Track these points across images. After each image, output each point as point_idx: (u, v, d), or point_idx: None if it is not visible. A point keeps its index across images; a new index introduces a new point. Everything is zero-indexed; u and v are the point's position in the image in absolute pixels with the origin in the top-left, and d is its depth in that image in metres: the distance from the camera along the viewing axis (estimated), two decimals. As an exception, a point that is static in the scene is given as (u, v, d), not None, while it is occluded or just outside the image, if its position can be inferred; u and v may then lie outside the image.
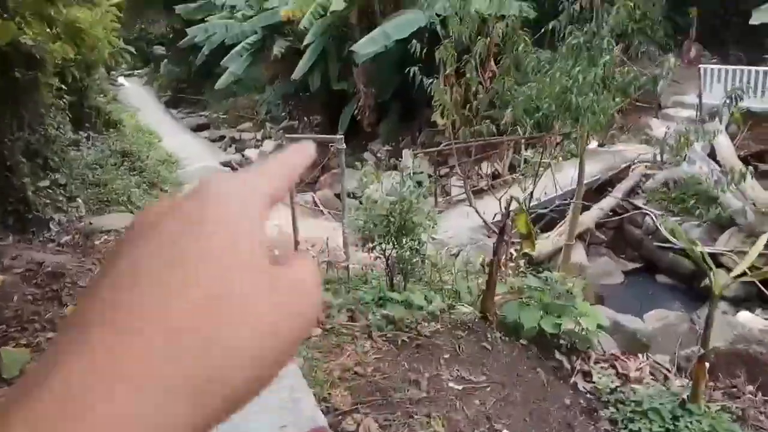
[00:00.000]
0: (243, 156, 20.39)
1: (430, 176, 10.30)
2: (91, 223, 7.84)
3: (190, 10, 19.72)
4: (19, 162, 7.65)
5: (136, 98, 21.84)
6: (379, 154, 15.66)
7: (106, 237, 7.41)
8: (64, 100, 9.50)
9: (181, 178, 11.76)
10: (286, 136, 7.51)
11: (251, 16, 16.72)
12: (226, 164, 13.55)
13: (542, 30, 7.41)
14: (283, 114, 22.41)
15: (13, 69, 6.82)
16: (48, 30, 6.89)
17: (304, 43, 14.80)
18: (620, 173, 12.51)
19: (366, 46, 12.53)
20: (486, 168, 13.50)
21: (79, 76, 10.75)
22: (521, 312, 4.38)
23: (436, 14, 13.09)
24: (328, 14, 13.50)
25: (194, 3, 19.96)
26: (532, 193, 8.61)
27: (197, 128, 22.02)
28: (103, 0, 11.34)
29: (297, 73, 15.12)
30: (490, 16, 8.10)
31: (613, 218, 11.46)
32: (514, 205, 4.92)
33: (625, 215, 11.40)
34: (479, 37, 7.26)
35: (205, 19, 18.60)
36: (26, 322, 4.87)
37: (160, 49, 31.89)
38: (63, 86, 9.34)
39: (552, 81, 6.34)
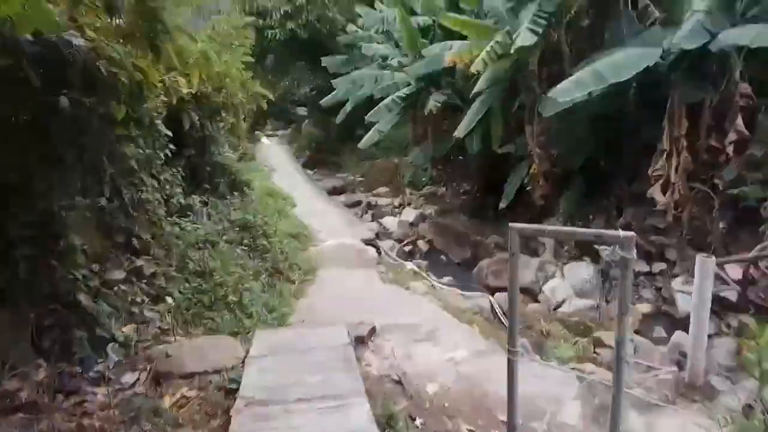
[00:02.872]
0: (380, 224, 17.18)
1: None
2: (168, 355, 4.50)
3: (337, 63, 17.30)
4: (71, 245, 4.55)
5: (274, 157, 19.67)
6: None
7: (185, 391, 3.99)
8: (168, 152, 6.53)
9: (313, 261, 8.42)
10: (513, 226, 3.54)
11: (406, 66, 13.68)
12: (369, 242, 10.21)
13: None
14: (424, 179, 19.11)
15: (58, 92, 3.77)
16: (109, 23, 3.81)
17: (474, 90, 11.32)
18: None
19: (567, 92, 8.74)
20: (733, 271, 8.90)
21: (200, 123, 7.93)
22: None
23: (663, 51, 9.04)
24: (512, 51, 9.90)
25: (342, 56, 17.57)
26: None
27: (333, 191, 19.24)
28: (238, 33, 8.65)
29: (461, 130, 11.64)
30: None
31: None
32: None
33: None
34: None
35: (353, 70, 15.96)
36: None
37: (302, 110, 30.60)
38: (169, 133, 6.40)
39: None
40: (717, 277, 8.38)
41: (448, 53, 11.80)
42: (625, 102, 10.68)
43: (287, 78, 25.94)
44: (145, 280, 5.54)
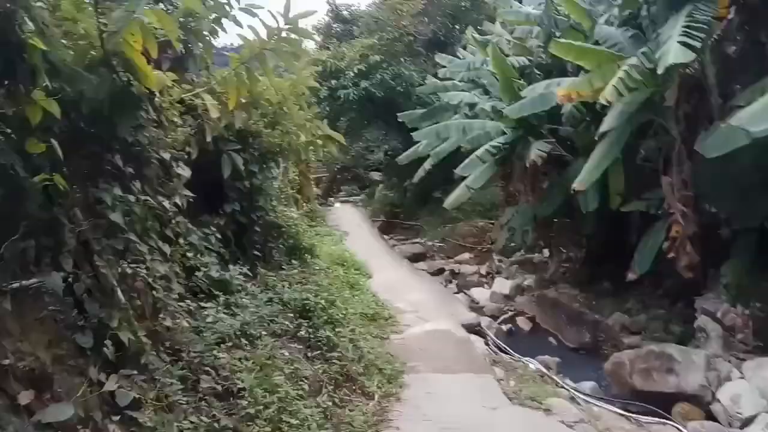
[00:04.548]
0: (468, 296, 14.33)
1: None
2: None
3: (415, 117, 15.17)
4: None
5: (347, 221, 17.51)
6: (726, 319, 8.27)
7: None
8: (182, 202, 4.24)
9: (398, 358, 5.76)
10: None
11: (501, 111, 11.23)
12: (472, 329, 7.43)
13: None
14: (514, 244, 16.15)
15: None
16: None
17: (602, 129, 8.67)
18: None
19: (761, 119, 5.89)
20: None
21: (247, 169, 5.72)
22: None
23: None
24: (660, 72, 7.16)
25: (421, 109, 15.47)
26: None
27: (412, 258, 16.68)
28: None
29: (582, 182, 8.84)
30: None
31: None
32: None
33: None
34: None
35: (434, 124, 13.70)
36: None
37: (376, 175, 28.84)
38: (184, 173, 4.16)
39: None
40: None
41: (557, 89, 9.29)
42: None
43: (361, 141, 24.26)
44: (118, 416, 3.10)
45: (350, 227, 15.66)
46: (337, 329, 5.25)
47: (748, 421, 6.82)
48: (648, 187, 10.37)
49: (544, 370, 6.49)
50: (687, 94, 9.17)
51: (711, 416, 7.14)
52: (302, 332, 4.96)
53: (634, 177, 10.61)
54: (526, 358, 7.08)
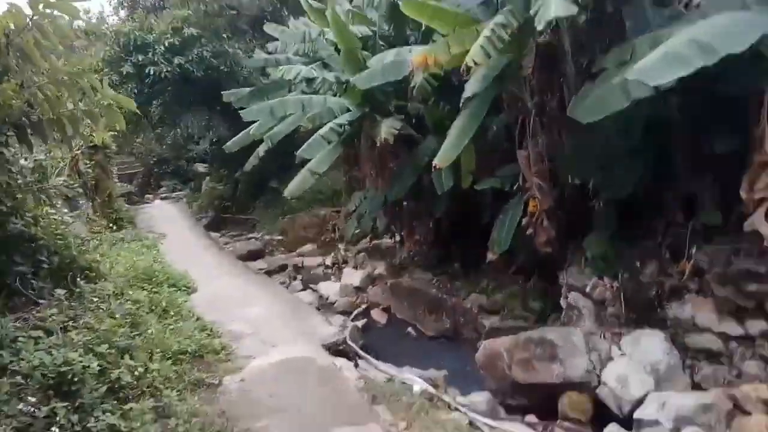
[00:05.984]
0: (315, 292, 12.59)
1: None
2: None
3: (243, 96, 12.74)
4: None
5: (164, 222, 14.44)
6: (595, 293, 7.65)
7: None
8: None
9: (236, 428, 3.76)
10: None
11: (346, 83, 9.56)
12: (337, 349, 5.61)
13: None
14: (359, 231, 14.73)
15: None
16: None
17: (465, 95, 7.42)
18: None
19: (660, 71, 4.92)
20: None
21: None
22: None
23: None
24: (540, 29, 5.94)
25: (249, 87, 13.08)
26: None
27: (249, 256, 14.34)
28: None
29: (445, 157, 7.53)
30: None
31: None
32: None
33: None
34: None
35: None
36: None
37: (201, 167, 25.41)
38: None
39: None
40: None
41: (412, 56, 7.89)
42: (664, 103, 7.14)
43: (179, 129, 20.68)
44: None
45: (168, 228, 12.81)
46: (126, 404, 3.09)
47: (638, 402, 6.15)
48: (500, 164, 9.62)
49: (433, 390, 5.04)
50: (542, 63, 8.43)
51: (599, 402, 6.42)
52: (58, 424, 2.71)
53: (485, 154, 9.80)
54: (407, 374, 5.55)
